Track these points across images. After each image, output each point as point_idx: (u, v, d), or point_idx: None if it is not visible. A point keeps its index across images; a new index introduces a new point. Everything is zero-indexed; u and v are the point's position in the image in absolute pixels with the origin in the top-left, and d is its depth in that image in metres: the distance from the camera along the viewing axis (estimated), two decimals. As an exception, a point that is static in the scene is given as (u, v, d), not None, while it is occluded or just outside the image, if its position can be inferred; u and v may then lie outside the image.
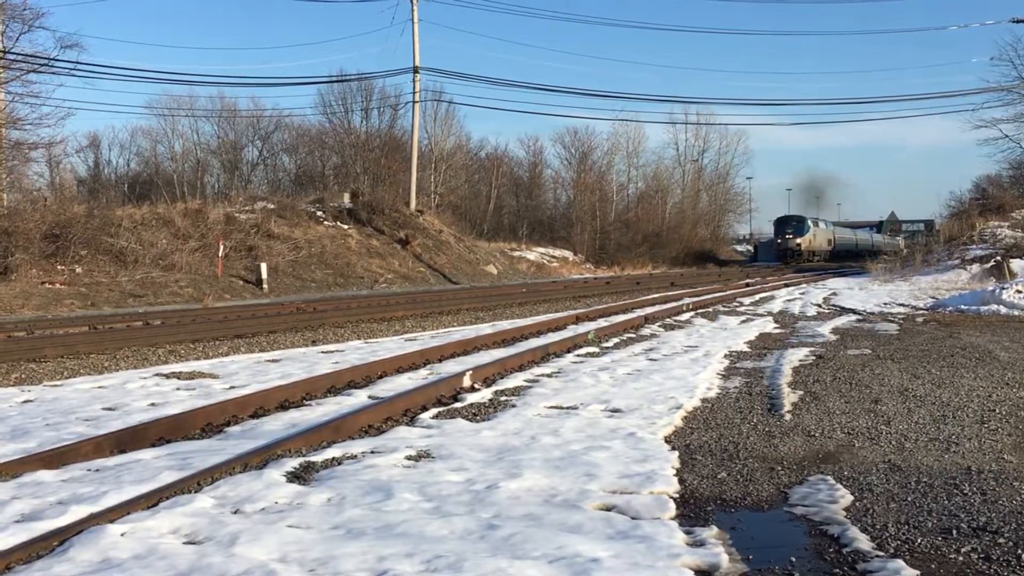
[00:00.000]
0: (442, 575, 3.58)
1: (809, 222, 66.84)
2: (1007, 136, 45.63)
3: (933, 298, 21.57)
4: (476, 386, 8.33)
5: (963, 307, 17.90)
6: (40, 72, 28.78)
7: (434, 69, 49.30)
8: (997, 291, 18.46)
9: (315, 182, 51.69)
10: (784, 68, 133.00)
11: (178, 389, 8.45)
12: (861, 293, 24.81)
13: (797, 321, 15.80)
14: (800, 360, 10.21)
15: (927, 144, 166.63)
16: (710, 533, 4.14)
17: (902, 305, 19.87)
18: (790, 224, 66.50)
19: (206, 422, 6.63)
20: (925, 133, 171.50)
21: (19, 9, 29.40)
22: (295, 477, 5.05)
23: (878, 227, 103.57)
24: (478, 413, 7.11)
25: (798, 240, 63.80)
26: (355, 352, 11.34)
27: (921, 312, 17.81)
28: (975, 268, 30.78)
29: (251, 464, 5.25)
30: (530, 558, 3.74)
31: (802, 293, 25.10)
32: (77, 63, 28.92)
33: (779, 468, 5.39)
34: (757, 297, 22.99)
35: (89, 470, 5.28)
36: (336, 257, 33.02)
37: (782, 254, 64.99)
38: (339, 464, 5.38)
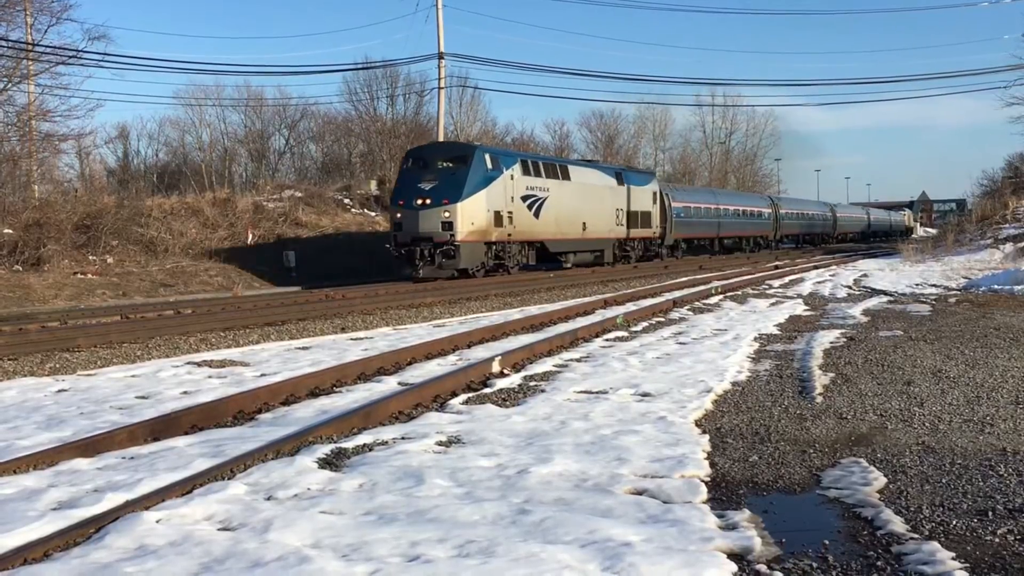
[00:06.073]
0: (474, 560, 3.58)
1: (487, 159, 25.03)
2: (1040, 114, 44.68)
3: (966, 278, 21.32)
4: (505, 372, 8.34)
5: (996, 287, 17.67)
6: (69, 64, 29.01)
7: (459, 55, 49.08)
8: (1031, 270, 18.22)
9: (342, 170, 51.83)
10: (811, 48, 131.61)
11: (210, 377, 8.52)
12: (892, 274, 24.58)
13: (827, 303, 15.67)
14: (831, 342, 10.12)
15: (958, 123, 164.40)
16: (742, 516, 4.13)
17: (934, 286, 19.65)
18: (428, 170, 24.80)
19: (238, 410, 6.69)
20: (956, 112, 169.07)
21: (47, 2, 29.63)
22: (327, 463, 5.08)
23: (909, 206, 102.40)
24: (508, 398, 7.11)
25: (445, 212, 23.62)
26: (384, 339, 11.38)
27: (953, 292, 17.60)
28: (1008, 247, 30.38)
29: (283, 451, 5.29)
30: (562, 543, 3.75)
31: (832, 275, 24.90)
32: (105, 55, 29.17)
33: (811, 451, 5.35)
34: (787, 279, 22.82)
35: (124, 458, 5.34)
36: (363, 244, 33.10)
37: (405, 253, 24.01)
38: (370, 450, 5.41)
